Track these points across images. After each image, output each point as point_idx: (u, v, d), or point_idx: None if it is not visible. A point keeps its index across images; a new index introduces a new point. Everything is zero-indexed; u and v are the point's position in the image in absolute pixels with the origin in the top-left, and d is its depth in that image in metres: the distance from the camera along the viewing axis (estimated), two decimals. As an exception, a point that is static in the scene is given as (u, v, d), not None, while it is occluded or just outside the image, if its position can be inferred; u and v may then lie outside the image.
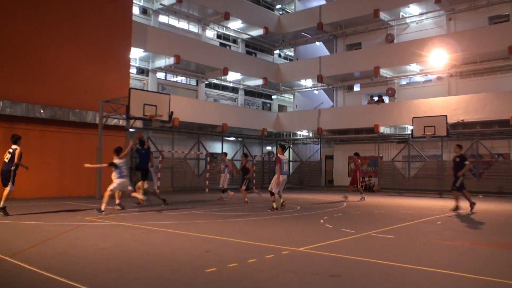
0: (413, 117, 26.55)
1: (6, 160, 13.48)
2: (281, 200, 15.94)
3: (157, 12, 31.48)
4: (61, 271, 6.57)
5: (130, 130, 23.76)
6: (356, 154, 22.95)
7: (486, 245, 9.33)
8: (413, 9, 32.70)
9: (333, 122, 33.92)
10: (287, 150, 37.08)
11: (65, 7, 22.41)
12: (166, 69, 31.05)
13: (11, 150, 13.57)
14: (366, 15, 33.49)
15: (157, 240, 9.43)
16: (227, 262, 7.20)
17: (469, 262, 7.63)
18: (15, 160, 13.34)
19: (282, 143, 17.79)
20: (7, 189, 13.33)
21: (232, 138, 35.48)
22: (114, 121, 23.04)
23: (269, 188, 16.02)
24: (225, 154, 22.62)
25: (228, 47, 37.37)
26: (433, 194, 26.74)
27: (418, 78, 33.09)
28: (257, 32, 37.53)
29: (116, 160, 15.00)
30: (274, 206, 15.76)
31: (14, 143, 13.63)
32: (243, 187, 19.36)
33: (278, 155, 15.76)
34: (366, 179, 31.33)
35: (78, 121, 22.12)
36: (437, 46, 29.22)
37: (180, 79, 33.51)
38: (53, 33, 21.76)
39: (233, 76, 35.49)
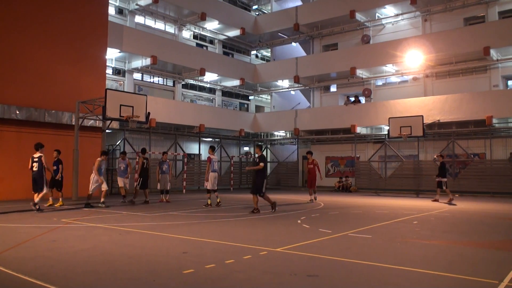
0: (389, 118, 26.78)
1: (35, 169, 15.12)
2: (218, 200, 17.89)
3: (133, 13, 31.26)
4: (38, 274, 6.50)
5: (107, 131, 23.57)
6: (310, 152, 22.13)
7: (462, 244, 9.43)
8: (389, 10, 32.95)
9: (310, 122, 34.02)
10: (264, 150, 37.21)
11: (39, 6, 22.11)
12: (143, 70, 30.86)
13: (36, 158, 15.16)
14: (342, 16, 33.70)
15: (134, 242, 9.36)
16: (205, 263, 7.18)
17: (445, 261, 7.70)
18: (45, 165, 15.22)
19: (212, 145, 18.58)
20: (43, 192, 15.20)
21: (210, 139, 35.39)
22: (90, 122, 22.81)
23: (205, 186, 18.00)
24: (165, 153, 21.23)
25: (205, 48, 37.25)
26: (410, 193, 26.98)
27: (394, 79, 33.34)
28: (233, 32, 37.48)
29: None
30: (209, 202, 17.73)
31: (37, 150, 15.31)
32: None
33: (209, 155, 17.70)
34: (343, 179, 31.49)
35: (54, 122, 21.88)
36: (412, 47, 29.51)
37: (156, 79, 33.31)
38: (27, 32, 21.45)
39: (210, 77, 35.38)
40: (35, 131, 21.30)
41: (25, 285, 6.05)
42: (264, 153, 37.05)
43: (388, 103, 30.39)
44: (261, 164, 15.18)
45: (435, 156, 26.93)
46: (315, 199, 21.25)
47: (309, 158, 21.65)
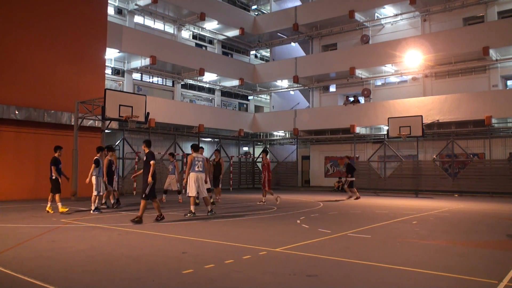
0: (388, 118, 26.76)
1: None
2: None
3: (132, 13, 31.26)
4: (37, 274, 6.49)
5: (106, 131, 23.54)
6: (265, 151, 20.61)
7: (461, 244, 9.43)
8: (388, 10, 32.95)
9: (309, 122, 34.01)
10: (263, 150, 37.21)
11: (38, 6, 22.09)
12: (142, 70, 30.85)
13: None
14: (342, 16, 33.69)
15: (134, 242, 9.35)
16: (204, 263, 7.18)
17: (445, 261, 7.70)
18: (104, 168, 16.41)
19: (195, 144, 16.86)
20: (106, 191, 16.64)
21: (209, 139, 35.39)
22: (89, 122, 22.80)
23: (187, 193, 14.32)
24: (172, 154, 20.88)
25: (204, 48, 37.24)
26: (409, 193, 26.96)
27: (393, 79, 33.35)
28: (233, 32, 37.49)
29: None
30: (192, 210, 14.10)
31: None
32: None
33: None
34: (343, 179, 31.45)
35: (53, 122, 21.86)
36: (412, 47, 29.50)
37: (156, 80, 33.31)
38: (26, 32, 21.42)
39: (209, 77, 35.39)
40: (34, 131, 21.30)
41: (24, 285, 6.04)
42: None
43: (387, 103, 30.39)
44: (152, 162, 12.84)
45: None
46: (277, 200, 19.18)
47: (263, 157, 20.29)
